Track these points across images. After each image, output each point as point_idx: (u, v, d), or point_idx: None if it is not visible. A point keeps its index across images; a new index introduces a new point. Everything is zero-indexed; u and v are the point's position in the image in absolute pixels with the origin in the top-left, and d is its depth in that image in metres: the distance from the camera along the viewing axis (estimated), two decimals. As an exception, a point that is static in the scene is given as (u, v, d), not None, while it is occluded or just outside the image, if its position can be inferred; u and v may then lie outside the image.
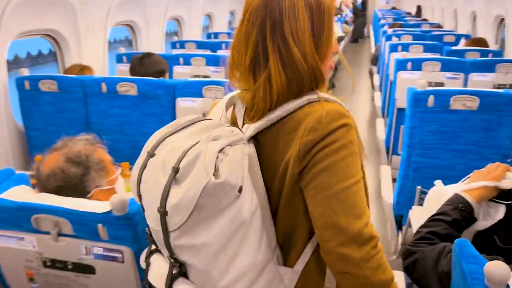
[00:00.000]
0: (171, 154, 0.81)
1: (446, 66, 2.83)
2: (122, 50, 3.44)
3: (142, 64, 2.39)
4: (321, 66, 0.85)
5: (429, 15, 8.37)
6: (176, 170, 0.78)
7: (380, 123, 3.48)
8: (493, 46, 3.55)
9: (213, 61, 3.26)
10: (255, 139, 0.87)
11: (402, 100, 2.93)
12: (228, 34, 5.15)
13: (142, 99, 2.22)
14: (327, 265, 0.85)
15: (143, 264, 1.00)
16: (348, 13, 11.72)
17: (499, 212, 1.15)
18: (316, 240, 0.88)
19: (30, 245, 1.15)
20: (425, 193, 2.07)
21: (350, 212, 0.79)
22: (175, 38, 4.52)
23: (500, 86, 2.75)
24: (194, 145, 0.81)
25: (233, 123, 0.92)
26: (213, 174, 0.76)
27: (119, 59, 3.37)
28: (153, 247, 0.93)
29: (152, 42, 4.00)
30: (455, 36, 4.63)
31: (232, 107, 0.94)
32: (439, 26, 5.84)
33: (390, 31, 4.98)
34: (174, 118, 2.21)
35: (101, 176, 1.25)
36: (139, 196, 0.87)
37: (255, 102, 0.85)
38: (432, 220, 1.11)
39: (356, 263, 0.78)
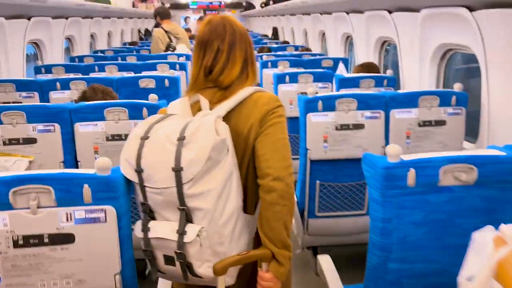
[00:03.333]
0: (171, 131, 1.14)
1: (363, 103, 2.25)
2: None
3: None
4: None
5: (285, 38, 8.29)
6: (183, 138, 1.11)
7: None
8: (387, 71, 3.19)
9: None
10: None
11: (317, 151, 2.26)
12: (93, 57, 4.80)
13: None
14: (261, 187, 1.20)
15: (139, 234, 1.18)
16: None
17: None
18: None
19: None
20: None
21: (285, 153, 1.22)
22: (39, 63, 4.06)
23: (425, 123, 2.28)
24: (189, 122, 1.15)
25: None
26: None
27: None
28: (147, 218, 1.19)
29: (12, 67, 3.55)
30: (333, 60, 4.28)
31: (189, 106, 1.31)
32: (307, 49, 5.53)
33: (265, 57, 4.40)
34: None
35: None
36: (139, 171, 1.14)
37: (225, 95, 1.25)
38: None
39: (286, 183, 1.18)
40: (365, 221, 2.47)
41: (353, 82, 3.10)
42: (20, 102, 2.94)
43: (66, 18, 4.83)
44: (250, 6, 12.24)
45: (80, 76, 3.49)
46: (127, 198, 1.22)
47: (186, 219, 1.12)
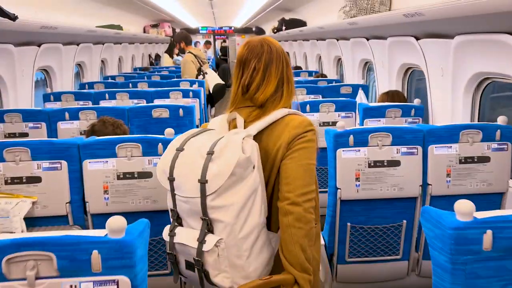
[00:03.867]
0: (203, 145, 1.23)
1: (398, 138, 2.05)
2: None
3: None
4: None
5: (296, 63, 8.18)
6: (212, 152, 1.19)
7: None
8: (415, 101, 2.99)
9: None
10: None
11: (348, 190, 2.05)
12: (104, 83, 4.68)
13: None
14: (279, 209, 1.24)
15: (166, 237, 1.29)
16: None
17: None
18: None
19: None
20: None
21: (308, 179, 1.24)
22: (48, 90, 4.07)
23: (467, 159, 2.07)
24: (220, 139, 1.23)
25: None
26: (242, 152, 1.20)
27: None
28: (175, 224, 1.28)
29: (20, 96, 3.45)
30: (352, 87, 4.11)
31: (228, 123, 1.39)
32: (322, 75, 5.37)
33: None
34: None
35: None
36: (172, 179, 1.24)
37: (260, 114, 1.31)
38: None
39: (303, 208, 1.21)
40: (400, 267, 2.25)
41: (378, 112, 2.91)
42: (27, 133, 2.79)
43: (77, 45, 4.75)
44: (260, 32, 12.23)
45: (90, 105, 3.36)
46: (143, 264, 1.01)
47: (207, 229, 1.20)
